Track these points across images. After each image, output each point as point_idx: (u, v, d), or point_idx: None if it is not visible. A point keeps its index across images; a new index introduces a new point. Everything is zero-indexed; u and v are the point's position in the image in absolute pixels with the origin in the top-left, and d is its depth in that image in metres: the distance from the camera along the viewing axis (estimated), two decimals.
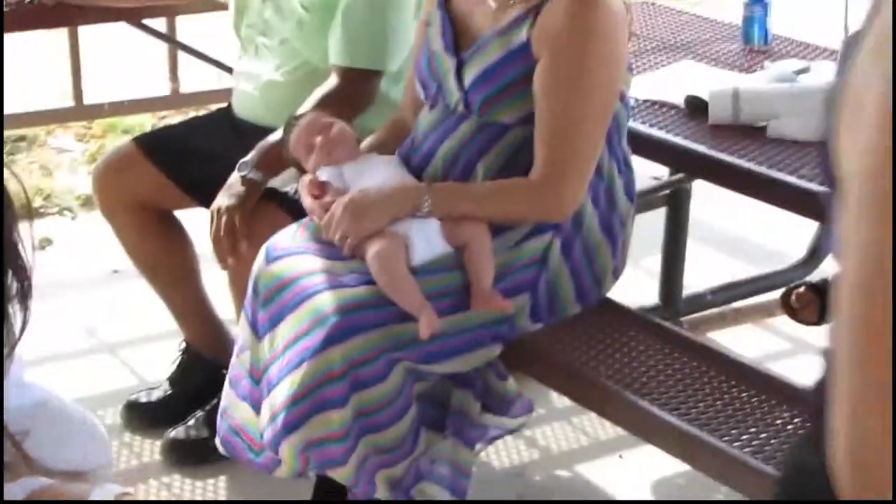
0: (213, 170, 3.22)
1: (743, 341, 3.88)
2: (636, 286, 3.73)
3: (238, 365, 2.84)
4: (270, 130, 3.17)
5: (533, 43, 2.70)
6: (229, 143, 3.39)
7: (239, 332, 2.90)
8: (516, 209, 2.76)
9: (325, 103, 3.12)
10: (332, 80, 3.20)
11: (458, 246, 2.74)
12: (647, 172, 3.93)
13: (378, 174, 2.85)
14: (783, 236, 4.42)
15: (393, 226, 2.74)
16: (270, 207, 3.12)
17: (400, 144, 2.99)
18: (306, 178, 2.92)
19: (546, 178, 2.71)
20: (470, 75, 2.78)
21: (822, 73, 3.15)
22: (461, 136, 2.82)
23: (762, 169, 2.88)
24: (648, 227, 3.73)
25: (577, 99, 2.68)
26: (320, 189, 2.86)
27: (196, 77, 4.90)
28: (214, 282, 3.38)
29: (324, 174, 2.89)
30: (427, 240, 2.72)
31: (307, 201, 2.87)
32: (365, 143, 3.01)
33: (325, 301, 2.66)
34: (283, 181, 3.16)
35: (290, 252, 2.82)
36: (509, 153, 2.79)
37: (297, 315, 2.69)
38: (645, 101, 3.23)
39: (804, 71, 3.23)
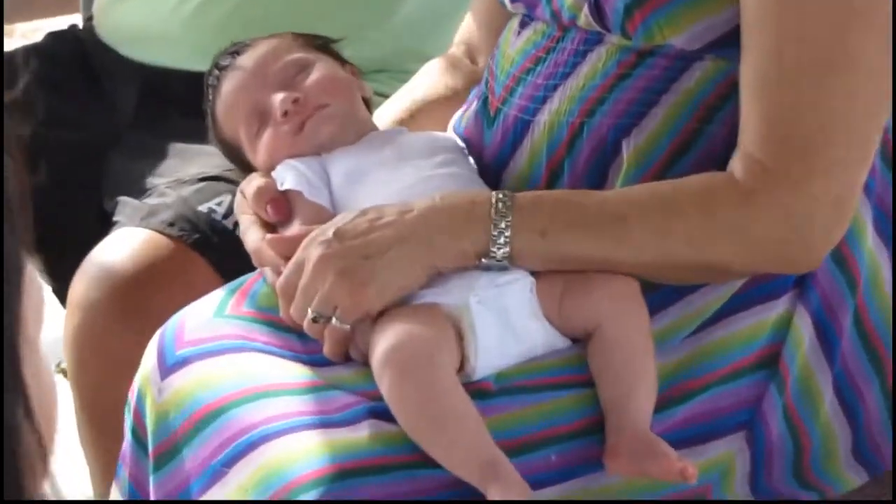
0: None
1: None
2: None
3: None
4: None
5: None
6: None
7: None
8: (708, 245, 1.31)
9: None
10: None
11: (576, 334, 1.34)
12: None
13: (403, 174, 1.44)
14: None
15: (433, 291, 1.34)
16: (176, 248, 1.71)
17: (456, 106, 1.56)
18: (252, 182, 1.49)
19: (772, 173, 1.29)
20: None
21: None
22: (587, 81, 1.39)
23: None
24: None
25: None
26: (278, 208, 1.44)
27: None
28: None
29: (289, 174, 1.45)
30: (506, 323, 1.32)
31: (252, 235, 1.46)
32: (386, 114, 1.60)
33: (296, 454, 1.29)
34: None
35: (216, 347, 1.42)
36: (690, 116, 1.35)
37: (239, 481, 1.32)
38: None
39: None
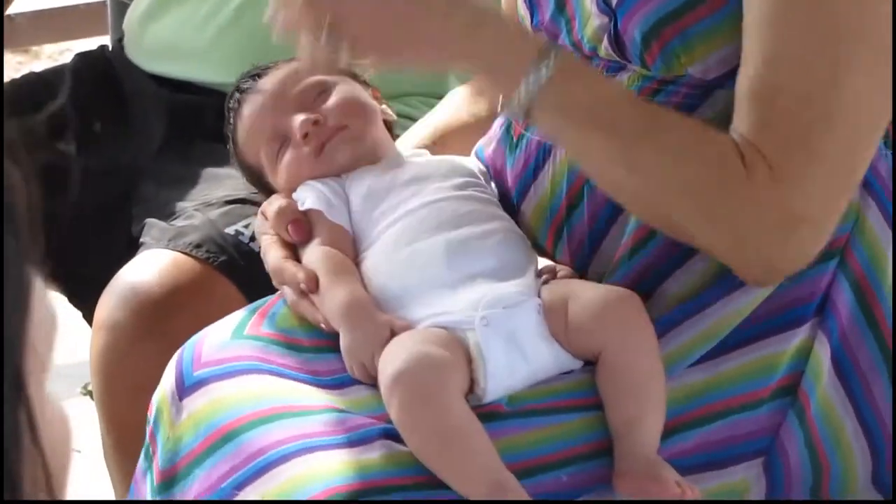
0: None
1: None
2: None
3: None
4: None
5: None
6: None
7: None
8: (701, 198, 1.27)
9: None
10: None
11: (585, 356, 1.32)
12: None
13: (421, 194, 1.42)
14: None
15: (438, 312, 1.32)
16: (202, 270, 1.67)
17: (480, 134, 1.53)
18: (273, 203, 1.46)
19: (772, 166, 1.24)
20: None
21: None
22: None
23: None
24: None
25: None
26: (299, 228, 1.42)
27: None
28: None
29: (309, 194, 1.43)
30: (514, 345, 1.30)
31: (272, 254, 1.44)
32: (409, 140, 1.57)
33: (307, 476, 1.27)
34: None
35: (232, 368, 1.39)
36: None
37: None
38: None
39: None
